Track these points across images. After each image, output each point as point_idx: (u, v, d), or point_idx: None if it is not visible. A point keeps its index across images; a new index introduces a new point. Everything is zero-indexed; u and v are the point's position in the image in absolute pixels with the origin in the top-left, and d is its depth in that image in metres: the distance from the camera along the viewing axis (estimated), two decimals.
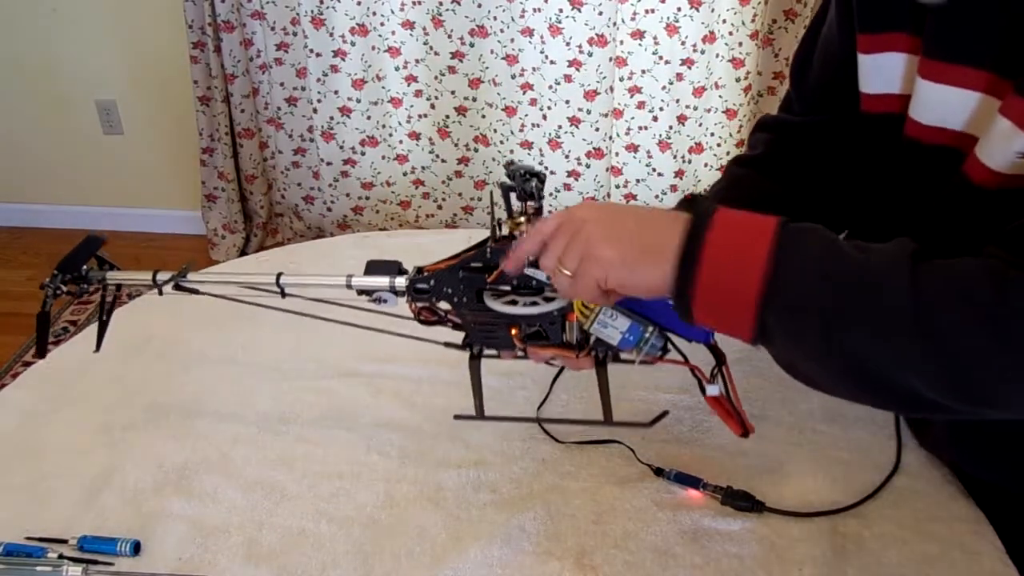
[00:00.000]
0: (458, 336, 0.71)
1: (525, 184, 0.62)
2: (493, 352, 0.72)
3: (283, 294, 0.73)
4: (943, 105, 0.66)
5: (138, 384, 0.91)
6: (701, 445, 0.80)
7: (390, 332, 0.76)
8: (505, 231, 0.66)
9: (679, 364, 0.67)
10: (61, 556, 0.69)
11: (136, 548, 0.71)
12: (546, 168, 2.41)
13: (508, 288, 0.67)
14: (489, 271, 0.66)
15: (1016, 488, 0.72)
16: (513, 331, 0.68)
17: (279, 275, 0.72)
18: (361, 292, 0.71)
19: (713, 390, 0.67)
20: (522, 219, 0.64)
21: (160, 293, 0.74)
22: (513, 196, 0.64)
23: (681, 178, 2.42)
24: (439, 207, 2.60)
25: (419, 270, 0.69)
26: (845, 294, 0.54)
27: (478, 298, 0.67)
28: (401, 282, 0.69)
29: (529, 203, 0.64)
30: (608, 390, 0.69)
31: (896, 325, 0.52)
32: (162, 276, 0.74)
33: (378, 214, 2.61)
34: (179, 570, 0.69)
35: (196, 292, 0.75)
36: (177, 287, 0.74)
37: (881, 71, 0.71)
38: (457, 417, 0.76)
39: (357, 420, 0.85)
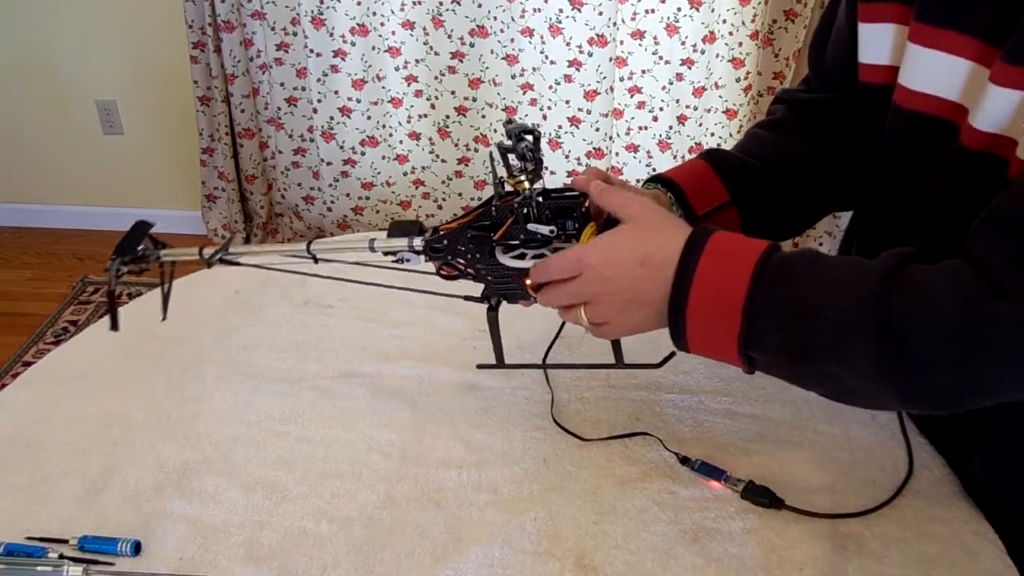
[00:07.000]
0: (476, 289, 0.75)
1: (519, 144, 0.65)
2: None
3: (315, 260, 0.77)
4: (930, 70, 0.67)
5: (139, 384, 0.91)
6: (701, 445, 0.80)
7: (413, 289, 0.81)
8: (508, 189, 0.69)
9: None
10: (61, 556, 0.69)
11: (136, 548, 0.71)
12: (546, 168, 2.41)
13: (516, 243, 0.70)
14: (495, 228, 0.70)
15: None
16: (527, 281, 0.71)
17: (309, 242, 0.77)
18: (385, 253, 0.75)
19: None
20: (522, 177, 0.67)
21: (208, 266, 0.80)
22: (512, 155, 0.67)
23: None
24: (439, 207, 2.60)
25: (435, 230, 0.73)
26: (817, 340, 0.59)
27: (490, 254, 0.71)
28: (419, 243, 0.73)
29: (526, 162, 0.67)
30: None
31: (868, 365, 0.57)
32: (207, 251, 0.81)
33: (378, 214, 2.61)
34: (179, 570, 0.69)
35: (237, 264, 0.80)
36: (222, 261, 0.80)
37: (875, 41, 0.73)
38: (480, 367, 0.83)
39: (357, 420, 0.85)
